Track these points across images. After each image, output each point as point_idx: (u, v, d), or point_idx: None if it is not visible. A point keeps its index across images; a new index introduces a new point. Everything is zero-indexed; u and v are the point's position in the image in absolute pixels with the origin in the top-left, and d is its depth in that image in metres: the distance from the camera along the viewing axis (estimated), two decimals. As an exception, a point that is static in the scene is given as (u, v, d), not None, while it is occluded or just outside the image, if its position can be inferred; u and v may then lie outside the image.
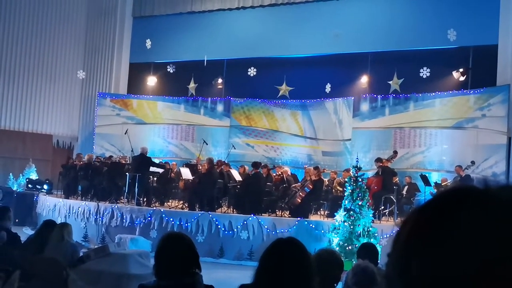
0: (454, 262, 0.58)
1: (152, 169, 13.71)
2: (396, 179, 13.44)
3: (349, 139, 16.49)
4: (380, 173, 12.50)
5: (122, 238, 10.94)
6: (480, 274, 0.57)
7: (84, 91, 20.20)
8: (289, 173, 14.21)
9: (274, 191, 13.22)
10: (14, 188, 16.61)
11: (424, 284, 0.60)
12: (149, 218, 12.16)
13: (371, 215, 10.21)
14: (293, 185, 13.01)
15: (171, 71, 19.19)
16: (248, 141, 17.99)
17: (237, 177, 13.38)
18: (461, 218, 0.60)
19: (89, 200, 13.83)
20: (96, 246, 8.71)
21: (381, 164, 12.55)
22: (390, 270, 0.65)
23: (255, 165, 12.92)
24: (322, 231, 11.20)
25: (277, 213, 12.68)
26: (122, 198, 13.55)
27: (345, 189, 10.68)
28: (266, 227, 11.57)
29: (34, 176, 17.24)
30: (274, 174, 14.06)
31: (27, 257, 5.58)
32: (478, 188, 0.63)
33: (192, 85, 18.90)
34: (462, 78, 15.16)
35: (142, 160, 13.10)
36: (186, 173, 13.38)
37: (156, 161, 16.39)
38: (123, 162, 14.43)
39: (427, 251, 0.60)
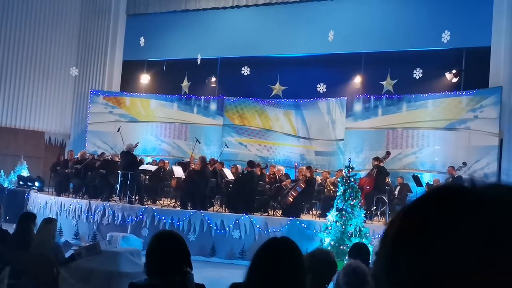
0: (441, 260, 0.58)
1: (143, 167, 13.70)
2: (388, 180, 13.49)
3: (342, 139, 16.52)
4: (375, 173, 12.52)
5: (113, 236, 10.90)
6: (467, 272, 0.57)
7: (77, 88, 20.11)
8: (282, 172, 14.21)
9: (266, 191, 13.22)
10: (5, 185, 16.52)
11: (411, 283, 0.60)
12: (141, 216, 12.13)
13: (363, 215, 10.24)
14: (284, 182, 13.00)
15: (165, 69, 19.14)
16: (241, 140, 17.99)
17: (230, 176, 13.37)
18: (448, 217, 0.61)
19: (80, 197, 13.78)
20: (87, 244, 8.68)
21: (377, 163, 12.56)
22: (377, 269, 0.65)
23: (251, 164, 12.89)
24: (314, 231, 11.22)
25: (269, 212, 12.69)
26: (114, 196, 13.50)
27: (337, 189, 10.71)
28: (258, 226, 11.57)
29: (25, 173, 17.16)
30: (268, 173, 14.05)
31: (17, 254, 5.55)
32: (466, 187, 0.64)
33: (185, 83, 18.86)
34: (454, 80, 15.22)
35: (127, 158, 13.01)
36: (178, 172, 13.35)
37: (149, 159, 16.41)
38: (116, 159, 14.38)
39: (414, 249, 0.61)
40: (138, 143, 14.40)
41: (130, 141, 14.52)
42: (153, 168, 14.45)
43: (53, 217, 7.48)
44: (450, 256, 0.58)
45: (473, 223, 0.59)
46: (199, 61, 17.49)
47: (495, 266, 0.56)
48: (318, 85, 16.77)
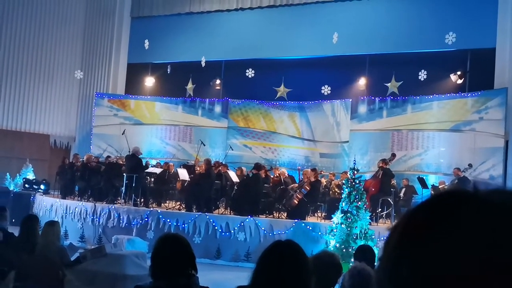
0: (444, 264, 0.59)
1: (148, 169, 13.72)
2: (394, 182, 13.45)
3: (347, 141, 16.50)
4: (380, 175, 12.49)
5: (118, 239, 10.89)
6: (469, 275, 0.57)
7: (82, 91, 20.17)
8: (286, 174, 14.20)
9: (271, 193, 13.21)
10: (11, 188, 16.57)
11: (416, 286, 0.60)
12: (146, 219, 12.14)
13: (368, 217, 10.22)
14: (290, 186, 13.01)
15: (169, 72, 19.17)
16: (245, 143, 17.99)
17: (234, 178, 13.37)
18: (451, 221, 0.61)
19: (86, 200, 13.82)
20: (92, 247, 8.69)
21: (382, 165, 12.50)
22: (381, 274, 0.66)
23: (258, 167, 12.85)
24: (319, 233, 11.19)
25: (274, 214, 12.67)
26: (119, 198, 13.53)
27: (342, 191, 10.69)
28: (263, 228, 11.57)
29: (31, 176, 17.21)
30: (272, 176, 14.05)
31: (23, 257, 5.56)
32: (469, 192, 0.64)
33: (190, 86, 18.89)
34: (459, 81, 15.20)
35: (133, 161, 13.03)
36: (183, 174, 13.36)
37: (153, 162, 16.44)
38: (121, 162, 14.40)
39: (418, 253, 0.61)
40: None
41: (135, 144, 14.57)
42: (158, 170, 14.46)
43: (56, 220, 7.47)
44: (453, 260, 0.59)
45: (475, 227, 0.60)
46: (203, 64, 17.51)
47: (497, 269, 0.57)
48: (323, 87, 16.75)
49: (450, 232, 0.60)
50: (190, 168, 13.81)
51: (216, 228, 11.73)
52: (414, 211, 0.66)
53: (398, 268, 0.62)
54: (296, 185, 13.16)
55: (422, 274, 0.60)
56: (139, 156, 13.29)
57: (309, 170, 13.08)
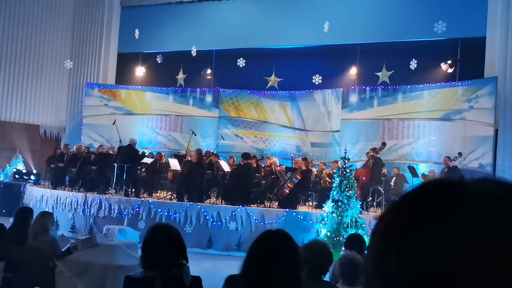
0: (431, 254, 0.59)
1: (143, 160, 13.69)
2: (384, 170, 13.51)
3: (338, 131, 16.54)
4: (371, 164, 12.54)
5: (110, 229, 10.90)
6: (457, 266, 0.57)
7: (72, 81, 20.01)
8: (278, 164, 14.22)
9: (262, 182, 13.23)
10: (1, 179, 16.48)
11: (401, 277, 0.60)
12: (137, 209, 12.13)
13: (359, 206, 10.28)
14: (278, 168, 13.00)
15: (160, 61, 19.08)
16: (237, 132, 17.98)
17: (226, 168, 13.38)
18: (439, 211, 0.61)
19: (76, 190, 13.77)
20: (83, 237, 8.68)
21: (373, 153, 12.55)
22: (367, 264, 0.66)
23: (246, 156, 12.88)
24: (310, 222, 11.25)
25: (266, 204, 12.71)
26: (110, 188, 13.49)
27: (333, 180, 10.73)
28: (254, 218, 11.60)
29: (21, 166, 17.12)
30: (264, 165, 14.07)
31: (13, 248, 5.54)
32: (456, 181, 0.64)
33: (181, 75, 18.82)
34: (450, 70, 15.24)
35: (129, 151, 12.98)
36: (174, 164, 13.34)
37: (146, 152, 16.39)
38: (111, 152, 14.35)
39: (404, 243, 0.61)
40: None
41: (125, 134, 14.52)
42: (149, 160, 14.43)
43: (49, 211, 7.44)
44: (439, 251, 0.58)
45: (462, 218, 0.59)
46: (194, 53, 17.44)
47: (482, 260, 0.56)
48: (314, 77, 16.75)
49: (436, 223, 0.60)
50: (181, 158, 13.80)
51: (207, 217, 11.74)
52: (400, 201, 0.66)
53: (384, 259, 0.62)
54: (284, 167, 13.21)
55: (408, 265, 0.60)
56: (135, 147, 13.27)
57: (300, 159, 13.12)
